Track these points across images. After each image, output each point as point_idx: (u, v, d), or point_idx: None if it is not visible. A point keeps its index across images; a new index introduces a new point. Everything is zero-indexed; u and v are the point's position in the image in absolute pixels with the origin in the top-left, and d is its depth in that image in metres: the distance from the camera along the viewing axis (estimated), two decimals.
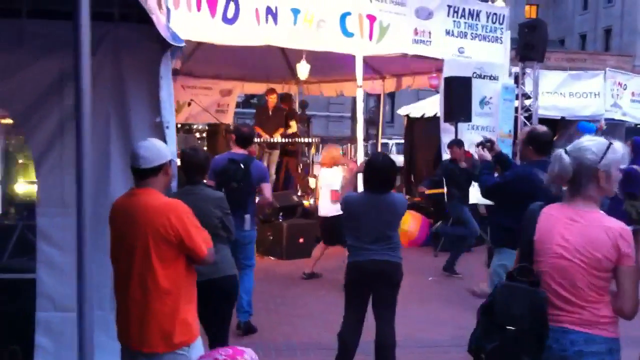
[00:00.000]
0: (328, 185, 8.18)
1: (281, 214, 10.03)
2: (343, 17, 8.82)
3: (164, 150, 3.36)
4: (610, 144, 2.75)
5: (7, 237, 5.53)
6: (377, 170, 4.69)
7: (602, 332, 2.73)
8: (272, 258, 9.53)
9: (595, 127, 11.76)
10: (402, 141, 16.61)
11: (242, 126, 6.33)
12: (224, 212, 4.48)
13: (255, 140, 8.68)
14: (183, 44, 4.07)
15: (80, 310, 2.31)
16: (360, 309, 4.78)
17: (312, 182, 8.52)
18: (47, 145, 4.18)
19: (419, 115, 13.42)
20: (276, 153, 11.55)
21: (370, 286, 4.73)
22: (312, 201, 10.64)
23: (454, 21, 10.09)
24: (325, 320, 6.42)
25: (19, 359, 4.37)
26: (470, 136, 10.29)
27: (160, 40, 3.85)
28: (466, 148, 9.14)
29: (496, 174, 5.21)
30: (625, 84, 13.82)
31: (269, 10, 8.15)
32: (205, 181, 4.82)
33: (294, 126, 12.04)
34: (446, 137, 9.98)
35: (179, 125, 12.09)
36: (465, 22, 10.20)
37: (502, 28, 10.65)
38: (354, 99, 15.56)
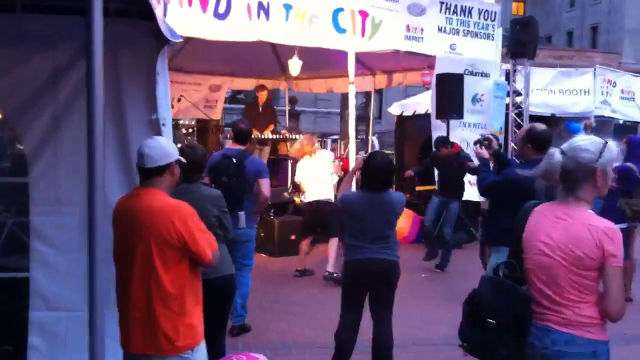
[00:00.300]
0: (305, 175, 8.50)
1: (272, 210, 9.98)
2: (335, 13, 8.81)
3: (170, 149, 3.25)
4: (606, 142, 2.72)
5: None
6: (377, 169, 4.66)
7: (585, 333, 2.66)
8: (263, 255, 9.48)
9: (581, 126, 11.85)
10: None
11: (239, 123, 6.25)
12: (221, 211, 4.41)
13: None
14: (180, 40, 4.00)
15: (92, 313, 2.27)
16: (358, 309, 4.75)
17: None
18: (41, 142, 4.09)
19: (410, 113, 13.39)
20: (267, 150, 11.48)
21: (368, 285, 4.70)
22: (303, 198, 10.59)
23: (446, 18, 10.08)
24: (320, 319, 6.41)
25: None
26: (462, 133, 10.32)
27: (157, 36, 3.79)
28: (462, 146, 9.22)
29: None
30: (614, 82, 13.91)
31: (260, 6, 8.12)
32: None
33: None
34: (437, 134, 9.97)
35: None
36: (458, 19, 10.20)
37: (493, 25, 10.64)
38: (342, 95, 15.53)
